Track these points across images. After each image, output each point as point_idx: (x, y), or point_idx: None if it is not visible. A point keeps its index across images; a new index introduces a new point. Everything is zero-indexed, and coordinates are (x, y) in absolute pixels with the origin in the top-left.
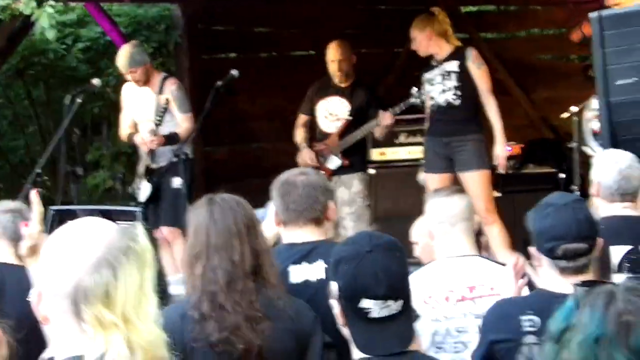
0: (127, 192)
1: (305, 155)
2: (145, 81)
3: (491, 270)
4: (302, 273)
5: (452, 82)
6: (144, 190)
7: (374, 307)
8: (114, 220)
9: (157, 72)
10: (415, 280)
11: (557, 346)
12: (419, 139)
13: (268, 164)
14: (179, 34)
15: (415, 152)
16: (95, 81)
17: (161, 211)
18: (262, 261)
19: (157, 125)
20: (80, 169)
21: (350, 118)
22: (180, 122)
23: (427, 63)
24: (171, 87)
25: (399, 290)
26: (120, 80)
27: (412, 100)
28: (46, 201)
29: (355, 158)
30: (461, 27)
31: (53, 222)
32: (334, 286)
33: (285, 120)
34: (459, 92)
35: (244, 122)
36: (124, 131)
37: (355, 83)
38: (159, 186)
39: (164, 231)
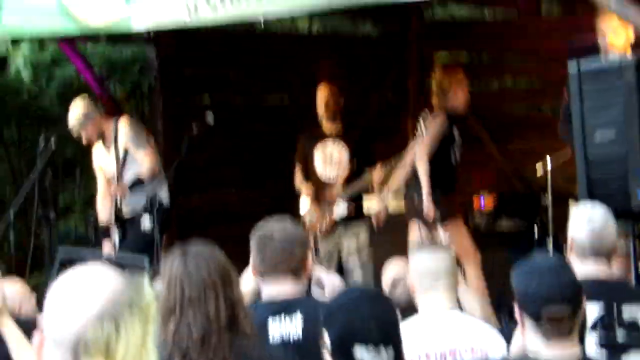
0: (100, 237)
1: (305, 190)
2: (100, 135)
3: (472, 327)
4: (280, 328)
5: None
6: (116, 237)
7: (366, 356)
8: (122, 267)
9: (109, 121)
10: None
11: None
12: None
13: (242, 210)
14: (153, 75)
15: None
16: (69, 123)
17: (122, 248)
18: (237, 311)
19: (119, 175)
20: (53, 213)
21: (353, 164)
22: (141, 161)
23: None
24: (123, 128)
25: (391, 337)
26: None
27: None
28: (18, 244)
29: (360, 206)
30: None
31: (61, 263)
32: (326, 337)
33: (257, 166)
34: None
35: (216, 169)
36: (98, 203)
37: (348, 125)
38: (130, 229)
39: None
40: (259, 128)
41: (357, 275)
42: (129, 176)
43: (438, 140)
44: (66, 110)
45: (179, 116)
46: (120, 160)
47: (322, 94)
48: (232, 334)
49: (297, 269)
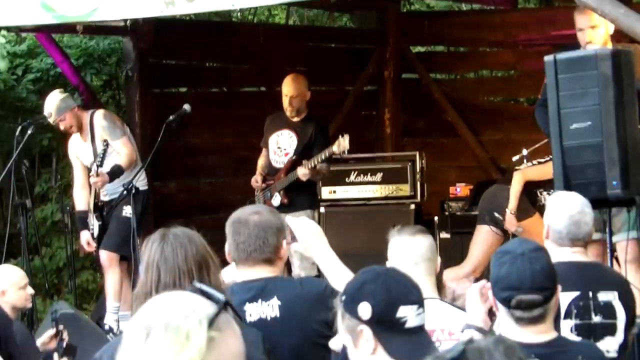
0: (75, 225)
1: (253, 180)
2: (78, 125)
3: (451, 314)
4: (257, 311)
5: None
6: (95, 226)
7: (409, 314)
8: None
9: (85, 112)
10: None
11: None
12: (369, 178)
13: (217, 199)
14: (130, 67)
15: (365, 191)
16: (46, 113)
17: (106, 235)
18: None
19: (99, 166)
20: (29, 201)
21: (294, 157)
22: (119, 150)
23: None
24: (98, 120)
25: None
26: None
27: (335, 149)
28: None
29: (302, 196)
30: (411, 68)
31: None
32: (363, 308)
33: (234, 155)
34: None
35: (193, 157)
36: (74, 192)
37: (305, 118)
38: (109, 217)
39: (102, 255)
40: (236, 117)
41: (295, 264)
42: (107, 166)
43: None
44: (42, 101)
45: (156, 106)
46: (98, 151)
47: (286, 86)
48: None
49: (271, 257)
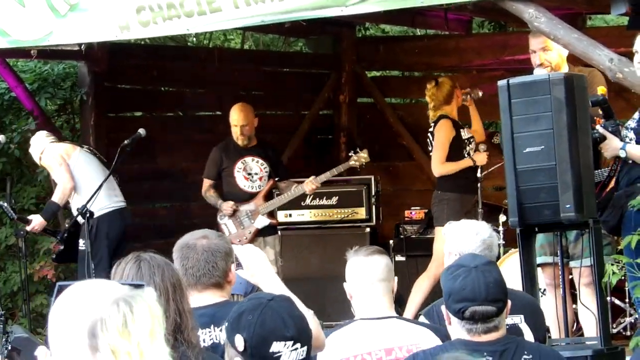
0: (29, 249)
1: (226, 206)
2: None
3: (409, 331)
4: (210, 336)
5: None
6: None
7: (284, 351)
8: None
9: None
10: (333, 340)
11: None
12: (325, 201)
13: (172, 223)
14: (84, 91)
15: (321, 215)
16: (0, 137)
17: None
18: (185, 321)
19: None
20: None
21: (277, 179)
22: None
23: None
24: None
25: (305, 335)
26: (24, 137)
27: (352, 163)
28: None
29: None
30: (366, 92)
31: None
32: (238, 340)
33: (189, 180)
34: None
35: (148, 182)
36: None
37: (262, 143)
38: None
39: None
40: (191, 141)
41: None
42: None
43: None
44: None
45: (110, 130)
46: None
47: (234, 116)
48: (177, 341)
49: (220, 281)
